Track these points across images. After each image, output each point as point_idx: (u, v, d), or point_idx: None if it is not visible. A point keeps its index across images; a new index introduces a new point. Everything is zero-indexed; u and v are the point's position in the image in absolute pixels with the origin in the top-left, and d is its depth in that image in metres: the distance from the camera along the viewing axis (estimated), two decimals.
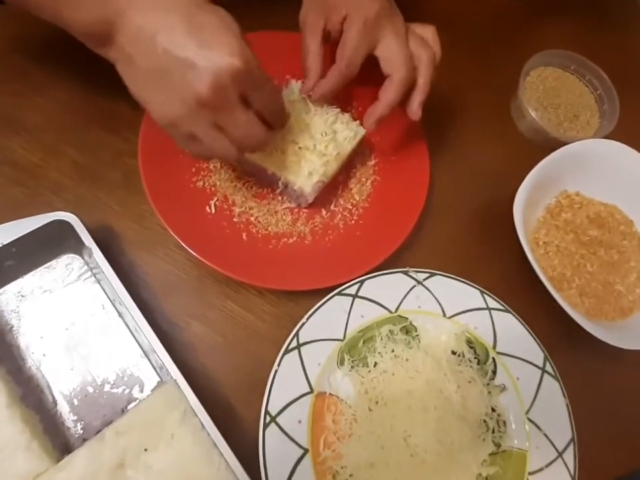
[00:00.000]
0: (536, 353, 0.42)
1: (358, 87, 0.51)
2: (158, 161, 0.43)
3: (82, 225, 0.37)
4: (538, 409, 0.41)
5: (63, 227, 0.37)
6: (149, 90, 0.33)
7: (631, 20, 0.68)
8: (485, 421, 0.40)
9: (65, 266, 0.40)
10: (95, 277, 0.40)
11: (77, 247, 0.39)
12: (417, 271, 0.43)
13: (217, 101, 0.32)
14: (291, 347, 0.38)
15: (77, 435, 0.36)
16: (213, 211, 0.44)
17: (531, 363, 0.42)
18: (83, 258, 0.40)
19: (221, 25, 0.32)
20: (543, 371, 0.42)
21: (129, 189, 0.44)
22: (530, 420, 0.40)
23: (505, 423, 0.41)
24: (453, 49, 0.57)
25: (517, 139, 0.56)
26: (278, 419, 0.36)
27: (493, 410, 0.41)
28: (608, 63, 0.57)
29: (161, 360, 0.35)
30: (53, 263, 0.40)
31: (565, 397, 0.41)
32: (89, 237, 0.37)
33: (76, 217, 0.37)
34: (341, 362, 0.40)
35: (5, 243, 0.35)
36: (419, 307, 0.43)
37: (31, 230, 0.36)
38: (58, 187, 0.43)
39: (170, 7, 0.32)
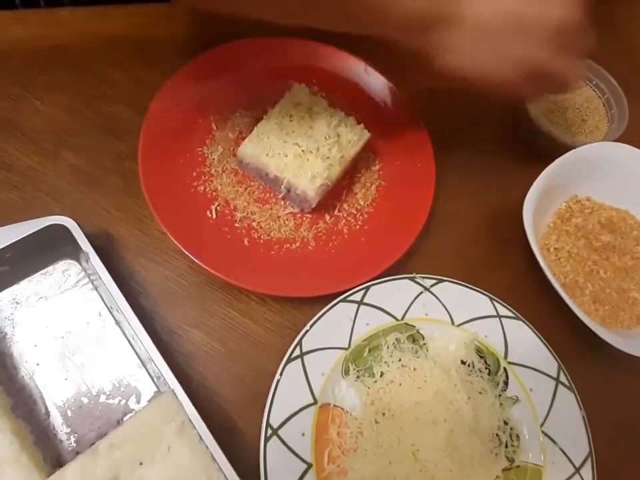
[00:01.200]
0: (549, 362, 0.41)
1: (362, 91, 0.50)
2: (158, 165, 0.42)
3: (79, 230, 0.36)
4: (553, 422, 0.39)
5: (60, 232, 0.36)
6: (500, 48, 0.34)
7: (636, 22, 0.67)
8: (497, 435, 0.38)
9: (62, 272, 0.39)
10: (92, 283, 0.39)
11: (75, 253, 0.38)
12: (424, 277, 0.42)
13: (564, 43, 0.34)
14: (293, 355, 0.37)
15: (69, 448, 0.34)
16: (214, 216, 0.43)
17: (544, 374, 0.40)
18: (80, 264, 0.39)
19: None
20: (557, 381, 0.40)
21: (129, 193, 0.43)
22: (545, 433, 0.39)
23: (518, 436, 0.39)
24: None
25: (524, 143, 0.55)
26: (280, 432, 0.35)
27: (506, 423, 0.39)
28: (615, 67, 0.56)
29: (158, 369, 0.34)
30: (50, 269, 0.39)
31: (581, 408, 0.39)
32: (87, 241, 0.36)
33: (73, 221, 0.36)
34: (346, 372, 0.38)
35: None
36: (426, 314, 0.41)
37: (26, 234, 0.35)
38: (56, 191, 0.42)
39: None
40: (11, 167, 0.42)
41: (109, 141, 0.44)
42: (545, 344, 0.41)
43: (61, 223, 0.36)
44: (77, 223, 0.36)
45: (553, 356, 0.41)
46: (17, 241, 0.35)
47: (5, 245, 0.34)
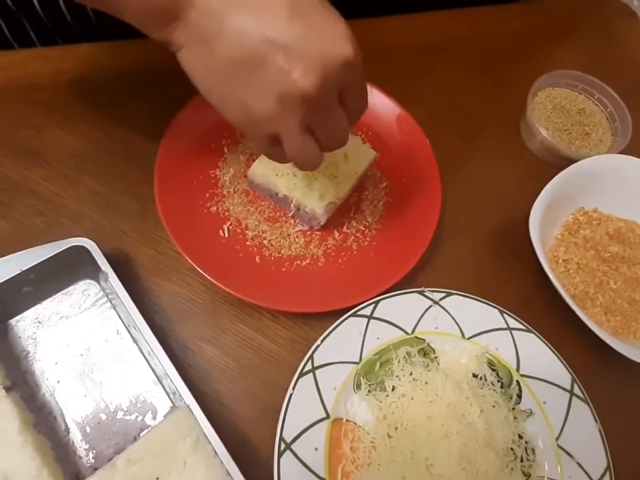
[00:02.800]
0: (563, 375, 0.40)
1: (367, 111, 0.52)
2: (173, 187, 0.43)
3: (99, 250, 0.38)
4: (569, 435, 0.38)
5: (81, 253, 0.38)
6: (230, 83, 0.27)
7: (635, 35, 0.69)
8: (512, 449, 0.38)
9: (82, 292, 0.40)
10: (110, 302, 0.40)
11: (94, 273, 0.40)
12: (433, 291, 0.42)
13: (322, 98, 0.26)
14: (305, 370, 0.37)
15: (88, 464, 0.35)
16: (227, 235, 0.44)
17: (558, 386, 0.40)
18: (99, 283, 0.41)
19: (324, 4, 0.26)
20: (572, 394, 0.40)
21: (145, 215, 0.44)
22: (561, 447, 0.38)
23: (533, 450, 0.38)
24: (460, 73, 0.59)
25: (528, 159, 0.56)
26: (293, 446, 0.35)
27: (520, 437, 0.39)
28: (617, 81, 0.57)
29: (174, 385, 0.34)
30: (70, 288, 0.40)
31: (596, 421, 0.39)
32: (106, 262, 0.38)
33: (93, 242, 0.38)
34: (358, 386, 0.39)
35: (23, 269, 0.36)
36: (436, 327, 0.42)
37: (49, 256, 0.37)
38: (76, 215, 0.44)
39: None
40: (35, 193, 0.44)
41: (126, 166, 0.46)
42: (557, 356, 0.41)
43: (82, 244, 0.37)
44: (97, 244, 0.38)
45: (566, 368, 0.41)
46: (41, 262, 0.36)
47: (30, 267, 0.36)
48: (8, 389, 0.34)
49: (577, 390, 0.40)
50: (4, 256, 0.38)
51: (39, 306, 0.39)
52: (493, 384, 0.40)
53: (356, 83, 0.29)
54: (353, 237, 0.46)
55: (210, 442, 0.33)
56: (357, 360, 0.39)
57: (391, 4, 0.59)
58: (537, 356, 0.41)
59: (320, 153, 0.31)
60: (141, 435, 0.36)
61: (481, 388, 0.40)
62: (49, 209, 0.44)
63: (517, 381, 0.41)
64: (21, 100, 0.48)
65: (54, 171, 0.45)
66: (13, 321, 0.38)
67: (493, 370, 0.41)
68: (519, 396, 0.40)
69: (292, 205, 0.44)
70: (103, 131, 0.48)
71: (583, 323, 0.40)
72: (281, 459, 0.34)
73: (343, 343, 0.39)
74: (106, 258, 0.38)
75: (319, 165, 0.32)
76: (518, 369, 0.41)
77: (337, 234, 0.46)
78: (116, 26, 0.52)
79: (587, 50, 0.65)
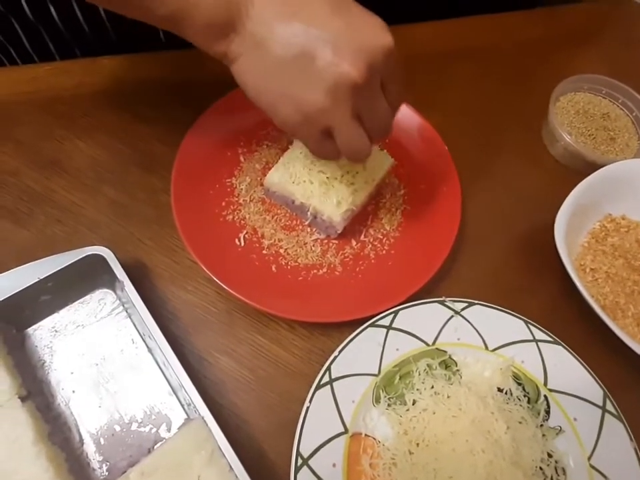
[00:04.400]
0: (594, 389, 0.38)
1: None
2: (189, 196, 0.43)
3: (115, 259, 0.38)
4: (602, 455, 0.36)
5: (98, 262, 0.38)
6: (282, 82, 0.29)
7: None
8: (540, 468, 0.36)
9: (98, 301, 0.40)
10: (126, 311, 0.40)
11: (110, 282, 0.40)
12: (454, 301, 0.41)
13: (369, 85, 0.28)
14: (322, 382, 0.36)
15: (101, 477, 0.34)
16: (243, 243, 0.44)
17: (589, 402, 0.38)
18: (115, 293, 0.41)
19: (358, 4, 0.29)
20: (604, 410, 0.38)
21: (162, 224, 0.44)
22: (593, 467, 0.36)
23: (564, 470, 0.36)
24: (480, 79, 0.58)
25: (550, 165, 0.54)
26: (310, 462, 0.34)
27: (550, 455, 0.37)
28: None
29: (189, 396, 0.34)
30: (87, 297, 0.40)
31: (631, 439, 0.36)
32: (122, 270, 0.38)
33: (110, 251, 0.38)
34: (377, 399, 0.37)
35: (41, 278, 0.36)
36: (458, 339, 0.40)
37: (67, 264, 0.37)
38: (95, 224, 0.44)
39: None
40: (56, 203, 0.45)
41: (144, 175, 0.47)
42: (587, 370, 0.39)
43: (99, 253, 0.37)
44: (114, 253, 0.38)
45: (597, 383, 0.38)
46: (58, 270, 0.36)
47: (47, 275, 0.36)
48: (23, 399, 0.33)
49: (609, 406, 0.38)
50: (23, 265, 0.38)
51: (55, 315, 0.39)
52: (519, 399, 0.38)
53: (396, 71, 0.31)
54: (370, 246, 0.45)
55: (225, 456, 0.32)
56: (376, 372, 0.38)
57: (411, 12, 0.59)
58: (565, 369, 0.39)
59: (369, 142, 0.32)
60: (155, 447, 0.35)
61: (507, 403, 0.38)
62: (68, 218, 0.44)
63: (545, 396, 0.39)
64: (43, 112, 0.49)
65: (74, 180, 0.46)
66: (30, 330, 0.38)
67: (519, 384, 0.39)
68: (547, 412, 0.38)
69: (309, 213, 0.43)
70: (122, 141, 0.48)
71: (614, 335, 0.38)
72: (298, 475, 0.33)
73: (362, 354, 0.38)
74: (122, 267, 0.38)
75: (368, 156, 0.34)
76: (545, 383, 0.39)
77: (354, 242, 0.45)
78: (133, 38, 0.53)
79: (609, 54, 0.63)
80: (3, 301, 0.35)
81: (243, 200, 0.46)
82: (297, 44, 0.28)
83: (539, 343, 0.40)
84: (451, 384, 0.38)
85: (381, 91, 0.31)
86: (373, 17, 0.29)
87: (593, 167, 0.48)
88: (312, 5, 0.28)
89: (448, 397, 0.37)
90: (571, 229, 0.44)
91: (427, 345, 0.40)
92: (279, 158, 0.44)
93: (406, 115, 0.50)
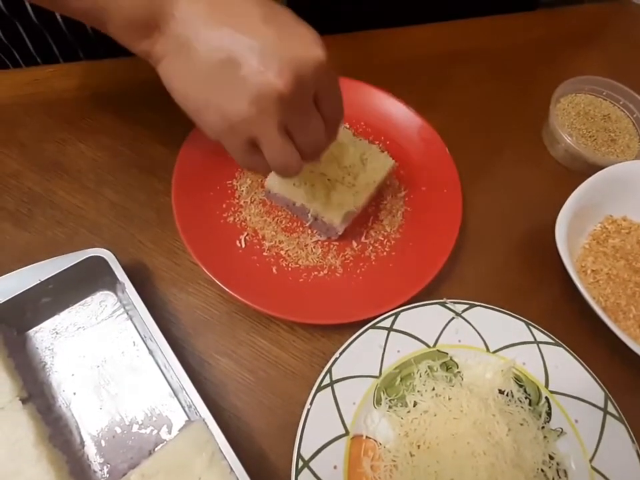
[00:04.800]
0: (595, 391, 0.38)
1: (385, 120, 0.51)
2: (190, 197, 0.43)
3: (116, 261, 0.38)
4: (603, 457, 0.36)
5: (99, 264, 0.38)
6: (207, 88, 0.28)
7: None
8: (542, 470, 0.36)
9: (99, 303, 0.40)
10: (127, 313, 0.40)
11: (111, 284, 0.40)
12: (455, 302, 0.41)
13: (297, 98, 0.27)
14: (323, 384, 0.36)
15: (102, 479, 0.34)
16: (243, 245, 0.44)
17: (590, 404, 0.38)
18: (116, 294, 0.41)
19: (293, 15, 0.28)
20: (605, 412, 0.38)
21: (162, 226, 0.44)
22: (595, 469, 0.36)
23: (565, 472, 0.36)
24: (480, 81, 0.58)
25: (551, 166, 0.54)
26: (311, 464, 0.34)
27: (551, 457, 0.36)
28: None
29: (190, 398, 0.34)
30: (88, 299, 0.40)
31: (633, 441, 0.36)
32: (123, 272, 0.38)
33: (111, 253, 0.38)
34: (378, 401, 0.37)
35: (42, 280, 0.36)
36: (459, 340, 0.40)
37: (68, 266, 0.37)
38: (96, 226, 0.44)
39: None
40: (57, 205, 0.45)
41: (145, 177, 0.47)
42: (588, 371, 0.39)
43: (100, 255, 0.37)
44: (114, 255, 0.38)
45: (599, 384, 0.38)
46: (59, 272, 0.36)
47: (48, 277, 0.36)
48: (24, 401, 0.33)
49: (611, 408, 0.38)
50: (24, 267, 0.38)
51: (56, 317, 0.39)
52: (520, 400, 0.38)
53: (330, 87, 0.30)
54: (371, 247, 0.45)
55: (226, 457, 0.32)
56: (377, 374, 0.38)
57: (412, 14, 0.59)
58: (566, 371, 0.39)
59: (299, 158, 0.31)
60: (156, 449, 0.35)
61: (508, 405, 0.38)
62: (69, 220, 0.44)
63: (546, 398, 0.39)
64: (45, 114, 0.49)
65: (75, 182, 0.46)
66: (31, 332, 0.38)
67: (520, 386, 0.39)
68: (549, 414, 0.38)
69: (309, 215, 0.43)
70: (123, 143, 0.48)
71: (616, 337, 0.38)
72: (299, 477, 0.33)
73: (362, 356, 0.38)
74: (123, 269, 0.38)
75: (299, 171, 0.32)
76: (547, 385, 0.39)
77: (355, 244, 0.45)
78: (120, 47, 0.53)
79: (610, 56, 0.63)
80: (4, 303, 0.35)
81: (244, 202, 0.46)
82: (223, 49, 0.26)
83: (540, 345, 0.40)
84: (452, 386, 0.38)
85: (314, 106, 0.29)
86: (307, 29, 0.28)
87: (594, 168, 0.48)
88: (242, 10, 0.27)
89: (449, 398, 0.37)
90: (572, 231, 0.44)
91: (428, 346, 0.40)
92: None
93: (406, 116, 0.50)
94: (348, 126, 0.49)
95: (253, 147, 0.30)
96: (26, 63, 0.56)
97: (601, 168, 0.47)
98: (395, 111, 0.51)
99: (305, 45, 0.27)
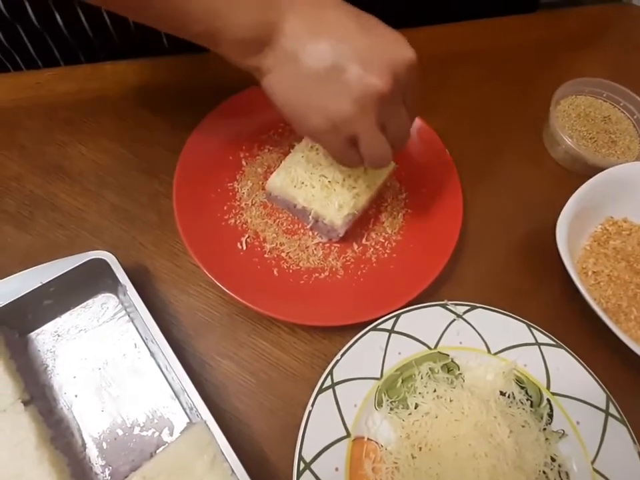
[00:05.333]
0: (597, 393, 0.38)
1: None
2: (191, 200, 0.44)
3: (117, 263, 0.38)
4: (605, 459, 0.36)
5: (100, 266, 0.38)
6: (312, 93, 0.31)
7: None
8: (544, 472, 0.36)
9: (101, 305, 0.40)
10: (128, 315, 0.40)
11: (113, 286, 0.40)
12: (456, 304, 0.41)
13: (393, 95, 0.31)
14: (324, 386, 0.36)
15: None
16: (244, 247, 0.44)
17: (592, 405, 0.38)
18: (117, 297, 0.41)
19: (380, 21, 0.32)
20: (607, 414, 0.38)
21: (164, 228, 0.45)
22: (597, 471, 0.36)
23: (567, 474, 0.36)
24: (480, 83, 0.58)
25: (552, 168, 0.54)
26: (313, 466, 0.34)
27: (553, 459, 0.36)
28: None
29: (191, 400, 0.34)
30: (89, 302, 0.40)
31: (635, 443, 0.36)
32: (125, 275, 0.38)
33: (112, 255, 0.38)
34: (379, 403, 0.37)
35: (44, 282, 0.36)
36: (460, 342, 0.40)
37: (69, 269, 0.37)
38: (97, 229, 0.44)
39: (328, 4, 0.31)
40: (58, 208, 0.45)
41: (146, 180, 0.47)
42: (590, 373, 0.39)
43: (101, 257, 0.37)
44: (116, 258, 0.38)
45: (600, 386, 0.38)
46: (61, 275, 0.36)
47: (50, 280, 0.36)
48: (26, 403, 0.33)
49: (612, 410, 0.38)
50: (25, 269, 0.38)
51: (58, 319, 0.39)
52: (521, 402, 0.38)
53: (416, 82, 0.33)
54: (372, 249, 0.45)
55: (227, 460, 0.32)
56: (378, 376, 0.38)
57: (412, 16, 0.59)
58: (568, 373, 0.39)
59: (390, 149, 0.34)
60: (158, 451, 0.35)
61: (509, 407, 0.38)
62: (70, 223, 0.44)
63: (548, 400, 0.39)
64: (46, 117, 0.49)
65: (76, 185, 0.46)
66: (33, 334, 0.38)
67: (522, 387, 0.39)
68: (550, 415, 0.38)
69: (310, 217, 0.43)
70: (124, 146, 0.48)
71: (617, 338, 0.38)
72: (300, 479, 0.33)
73: (364, 358, 0.38)
74: (125, 271, 0.38)
75: (390, 162, 0.36)
76: (548, 387, 0.39)
77: (355, 246, 0.45)
78: (136, 43, 0.53)
79: (610, 58, 0.64)
80: (5, 305, 0.35)
81: (245, 204, 0.46)
82: (328, 58, 0.30)
83: (541, 346, 0.40)
84: (454, 388, 0.38)
85: (402, 100, 0.33)
86: (395, 33, 0.32)
87: (594, 170, 0.48)
88: (340, 23, 0.31)
89: (450, 400, 0.37)
90: (573, 232, 0.44)
91: (429, 348, 0.40)
92: (281, 162, 0.44)
93: None
94: None
95: (350, 143, 0.33)
96: (27, 66, 0.56)
97: (602, 169, 0.47)
98: None
99: (397, 47, 0.31)
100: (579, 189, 0.45)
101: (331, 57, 0.30)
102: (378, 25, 0.32)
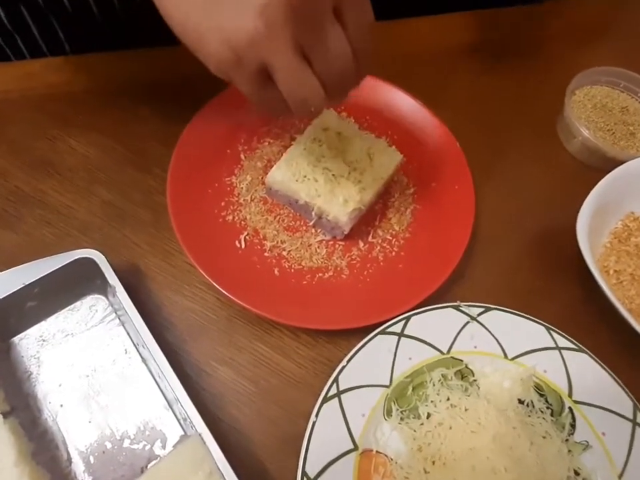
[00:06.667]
0: (623, 401, 0.36)
1: (391, 114, 0.49)
2: (187, 196, 0.41)
3: (107, 263, 0.35)
4: (634, 472, 0.34)
5: (88, 266, 0.35)
6: (206, 11, 0.24)
7: None
8: None
9: (89, 307, 0.38)
10: (119, 318, 0.38)
11: (102, 287, 0.37)
12: (470, 306, 0.38)
13: (311, 7, 0.23)
14: (329, 394, 0.34)
15: None
16: (243, 245, 0.41)
17: (618, 414, 0.35)
18: (107, 298, 0.38)
19: None
20: (634, 423, 0.35)
21: (158, 226, 0.42)
22: None
23: None
24: (491, 74, 0.56)
25: (567, 161, 0.52)
26: None
27: (577, 473, 0.34)
28: None
29: (185, 411, 0.31)
30: (77, 304, 0.38)
31: None
32: (114, 274, 0.35)
33: (101, 254, 0.35)
34: (388, 413, 0.35)
35: (26, 283, 0.34)
36: (475, 347, 0.37)
37: (54, 269, 0.34)
38: (87, 227, 0.42)
39: None
40: (46, 205, 0.42)
41: (139, 175, 0.45)
42: (615, 380, 0.36)
43: (89, 256, 0.35)
44: (105, 257, 0.35)
45: (627, 393, 0.36)
46: (45, 275, 0.34)
47: (34, 280, 0.34)
48: (6, 415, 0.31)
49: None
50: (8, 269, 0.36)
51: (43, 323, 0.37)
52: (542, 411, 0.36)
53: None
54: (379, 247, 0.43)
55: (224, 476, 0.29)
56: (387, 383, 0.35)
57: (418, 6, 0.57)
58: (591, 379, 0.37)
59: (320, 88, 0.26)
60: (149, 466, 0.33)
61: (529, 416, 0.35)
62: (58, 221, 0.42)
63: (570, 408, 0.36)
64: (35, 111, 0.47)
65: (65, 181, 0.44)
66: (15, 339, 0.36)
67: (541, 395, 0.37)
68: (573, 425, 0.36)
69: (313, 213, 0.41)
70: (116, 140, 0.46)
71: None
72: None
73: (371, 363, 0.36)
74: (115, 271, 0.35)
75: (322, 105, 0.27)
76: (570, 395, 0.36)
77: (361, 244, 0.43)
78: (127, 34, 0.51)
79: (624, 47, 0.61)
80: None
81: (244, 200, 0.43)
82: None
83: (562, 351, 0.37)
84: (468, 395, 0.36)
85: (333, 18, 0.25)
86: None
87: (612, 163, 0.45)
88: None
89: (465, 409, 0.35)
90: (592, 229, 0.41)
91: (442, 353, 0.37)
92: (282, 155, 0.42)
93: (413, 108, 0.48)
94: (353, 120, 0.47)
95: (265, 78, 0.26)
96: (30, 52, 0.53)
97: (619, 162, 0.45)
98: (401, 103, 0.48)
99: None
100: (599, 184, 0.42)
101: None
102: None
